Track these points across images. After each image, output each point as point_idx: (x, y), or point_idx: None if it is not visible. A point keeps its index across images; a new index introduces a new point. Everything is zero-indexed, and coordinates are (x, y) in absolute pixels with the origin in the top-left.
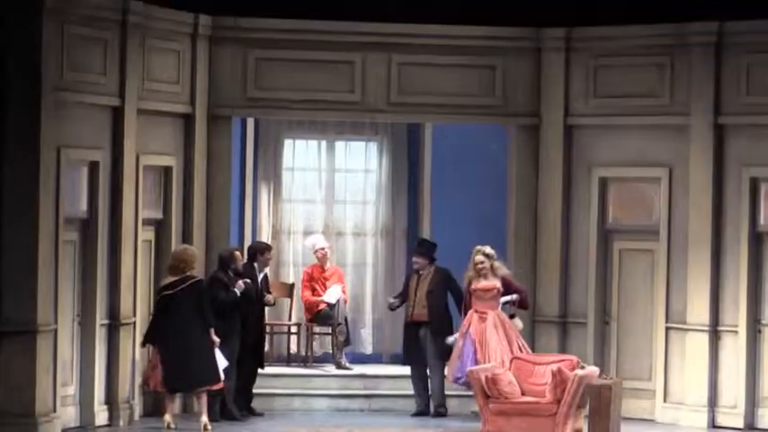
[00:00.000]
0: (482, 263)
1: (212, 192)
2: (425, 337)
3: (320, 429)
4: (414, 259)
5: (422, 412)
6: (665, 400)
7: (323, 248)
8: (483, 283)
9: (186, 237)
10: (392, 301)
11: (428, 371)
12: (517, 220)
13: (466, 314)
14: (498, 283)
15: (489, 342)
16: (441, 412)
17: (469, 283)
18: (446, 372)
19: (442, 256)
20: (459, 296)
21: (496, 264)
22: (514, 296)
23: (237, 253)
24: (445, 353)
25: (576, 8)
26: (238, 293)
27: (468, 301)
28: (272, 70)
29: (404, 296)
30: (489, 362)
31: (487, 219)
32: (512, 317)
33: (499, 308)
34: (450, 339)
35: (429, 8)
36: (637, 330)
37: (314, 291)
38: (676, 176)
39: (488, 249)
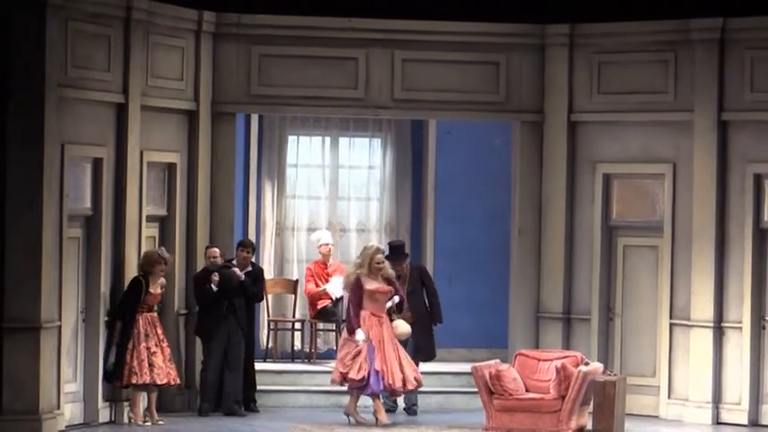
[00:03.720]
0: (383, 262)
1: (216, 188)
2: (407, 338)
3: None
4: (395, 262)
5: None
6: (669, 397)
7: (327, 244)
8: (377, 285)
9: (190, 233)
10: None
11: None
12: (521, 217)
13: (357, 314)
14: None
15: (387, 351)
16: (414, 410)
17: (358, 282)
18: (338, 375)
19: (445, 251)
20: (433, 295)
21: (388, 265)
22: (396, 299)
23: (212, 249)
24: (421, 350)
25: (579, 4)
26: (214, 288)
27: (359, 299)
28: (276, 67)
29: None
30: (391, 372)
31: (491, 215)
32: (391, 319)
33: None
34: (360, 336)
35: (433, 4)
36: (641, 327)
37: (316, 285)
38: (680, 173)
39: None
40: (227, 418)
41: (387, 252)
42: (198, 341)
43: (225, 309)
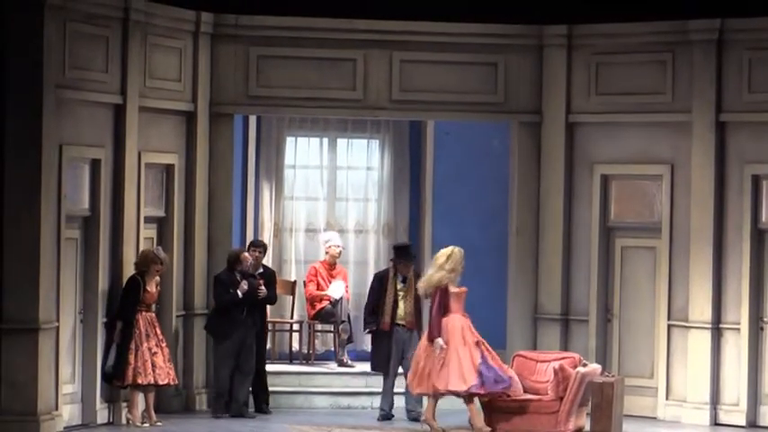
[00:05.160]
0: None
1: (214, 189)
2: (408, 343)
3: (326, 428)
4: (404, 265)
5: (386, 416)
6: (667, 398)
7: (338, 246)
8: (457, 287)
9: (188, 234)
10: (370, 322)
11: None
12: (519, 218)
13: (439, 322)
14: None
15: (453, 352)
16: (414, 416)
17: (447, 289)
18: (460, 384)
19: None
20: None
21: None
22: None
23: (245, 254)
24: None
25: (577, 5)
26: (240, 294)
27: (446, 304)
28: (274, 68)
29: (376, 306)
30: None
31: (489, 216)
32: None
33: None
34: (441, 343)
35: (431, 5)
36: (639, 328)
37: (318, 286)
38: (678, 174)
39: None
40: (226, 420)
41: (392, 254)
42: (196, 342)
43: (243, 313)
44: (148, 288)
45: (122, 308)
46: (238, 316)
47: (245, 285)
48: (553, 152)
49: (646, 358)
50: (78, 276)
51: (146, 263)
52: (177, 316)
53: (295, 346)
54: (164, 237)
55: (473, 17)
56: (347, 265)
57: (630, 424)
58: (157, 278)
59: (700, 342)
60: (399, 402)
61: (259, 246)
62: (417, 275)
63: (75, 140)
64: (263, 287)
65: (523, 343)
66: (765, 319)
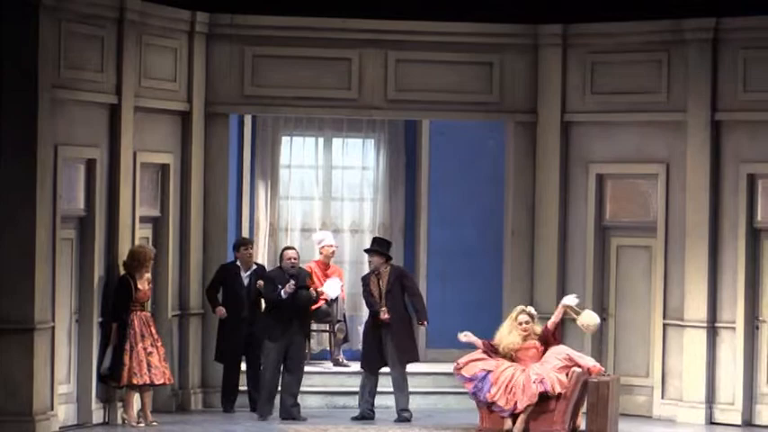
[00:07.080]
0: (527, 323)
1: (209, 189)
2: (386, 339)
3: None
4: (368, 259)
5: (363, 416)
6: (662, 397)
7: (331, 246)
8: (526, 343)
9: (183, 234)
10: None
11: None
12: (514, 217)
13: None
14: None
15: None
16: (405, 417)
17: (495, 346)
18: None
19: (439, 252)
20: (415, 294)
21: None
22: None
23: (287, 252)
24: (408, 355)
25: (572, 5)
26: (283, 296)
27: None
28: (270, 67)
29: (374, 300)
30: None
31: (485, 215)
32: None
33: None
34: None
35: (426, 5)
36: (634, 327)
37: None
38: (673, 173)
39: (532, 309)
40: (223, 422)
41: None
42: (192, 341)
43: (289, 314)
44: (140, 287)
45: (115, 309)
46: (283, 317)
47: (289, 288)
48: (548, 151)
49: (641, 357)
50: (74, 276)
51: (145, 260)
52: (173, 315)
53: None
54: (159, 236)
55: (468, 16)
56: (343, 265)
57: (626, 423)
58: (148, 276)
59: (695, 341)
60: (383, 401)
61: (248, 243)
62: (399, 273)
63: (70, 140)
64: (311, 293)
65: None
66: (760, 318)
